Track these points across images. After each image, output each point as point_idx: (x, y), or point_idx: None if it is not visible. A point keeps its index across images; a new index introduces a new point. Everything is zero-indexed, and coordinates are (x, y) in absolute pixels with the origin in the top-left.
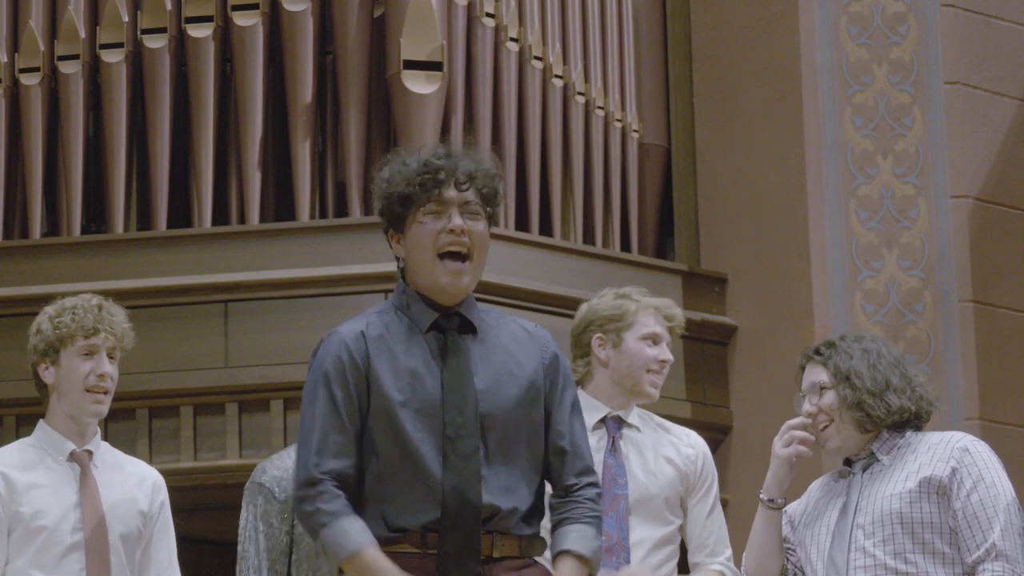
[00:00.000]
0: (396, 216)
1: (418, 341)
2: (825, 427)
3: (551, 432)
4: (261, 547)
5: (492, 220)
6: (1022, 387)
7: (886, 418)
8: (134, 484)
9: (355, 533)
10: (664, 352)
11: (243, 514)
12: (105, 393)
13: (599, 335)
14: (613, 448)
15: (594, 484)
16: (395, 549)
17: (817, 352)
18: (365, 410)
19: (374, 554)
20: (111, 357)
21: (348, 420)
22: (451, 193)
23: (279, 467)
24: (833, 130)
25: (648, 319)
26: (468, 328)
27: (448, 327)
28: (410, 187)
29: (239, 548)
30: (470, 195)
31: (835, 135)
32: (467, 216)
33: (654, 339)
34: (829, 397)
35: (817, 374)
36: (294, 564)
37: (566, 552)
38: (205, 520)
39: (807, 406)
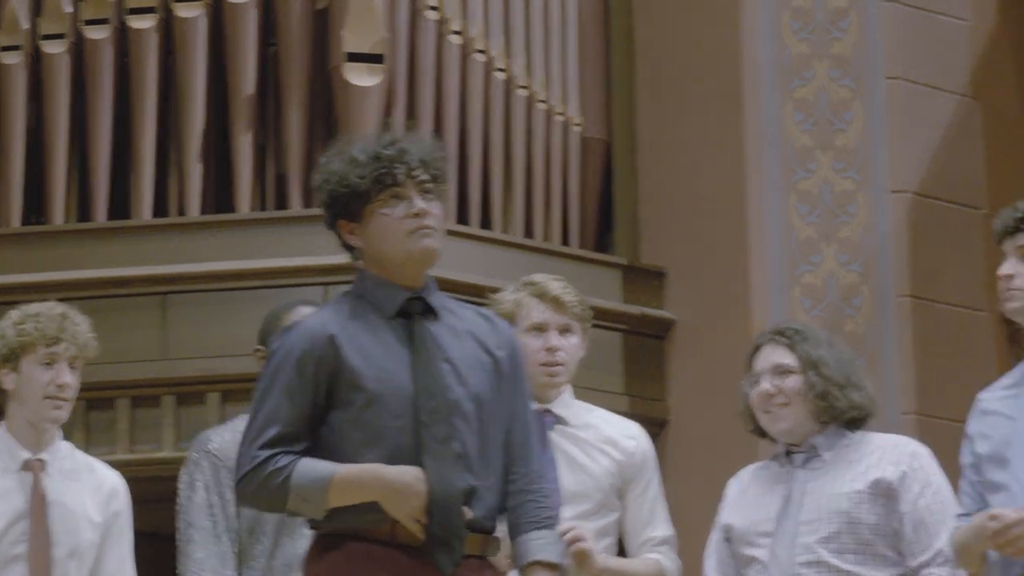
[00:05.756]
0: (351, 209)
1: (384, 328)
2: (779, 409)
3: (512, 425)
4: (217, 517)
5: (441, 198)
6: (958, 382)
7: (846, 412)
8: (89, 493)
9: (321, 464)
10: (549, 339)
11: (186, 484)
12: (65, 401)
13: None
14: (541, 443)
15: (543, 476)
16: (364, 536)
17: (782, 334)
18: (327, 403)
19: (351, 466)
20: (72, 367)
21: (304, 412)
22: (407, 180)
23: (223, 438)
24: (773, 125)
25: (530, 309)
26: (431, 313)
27: (413, 311)
28: (367, 181)
29: (183, 519)
30: (424, 178)
31: (775, 130)
32: (425, 197)
33: (538, 328)
34: (794, 381)
35: (781, 356)
36: (246, 529)
37: (537, 563)
38: (139, 513)
39: (765, 385)
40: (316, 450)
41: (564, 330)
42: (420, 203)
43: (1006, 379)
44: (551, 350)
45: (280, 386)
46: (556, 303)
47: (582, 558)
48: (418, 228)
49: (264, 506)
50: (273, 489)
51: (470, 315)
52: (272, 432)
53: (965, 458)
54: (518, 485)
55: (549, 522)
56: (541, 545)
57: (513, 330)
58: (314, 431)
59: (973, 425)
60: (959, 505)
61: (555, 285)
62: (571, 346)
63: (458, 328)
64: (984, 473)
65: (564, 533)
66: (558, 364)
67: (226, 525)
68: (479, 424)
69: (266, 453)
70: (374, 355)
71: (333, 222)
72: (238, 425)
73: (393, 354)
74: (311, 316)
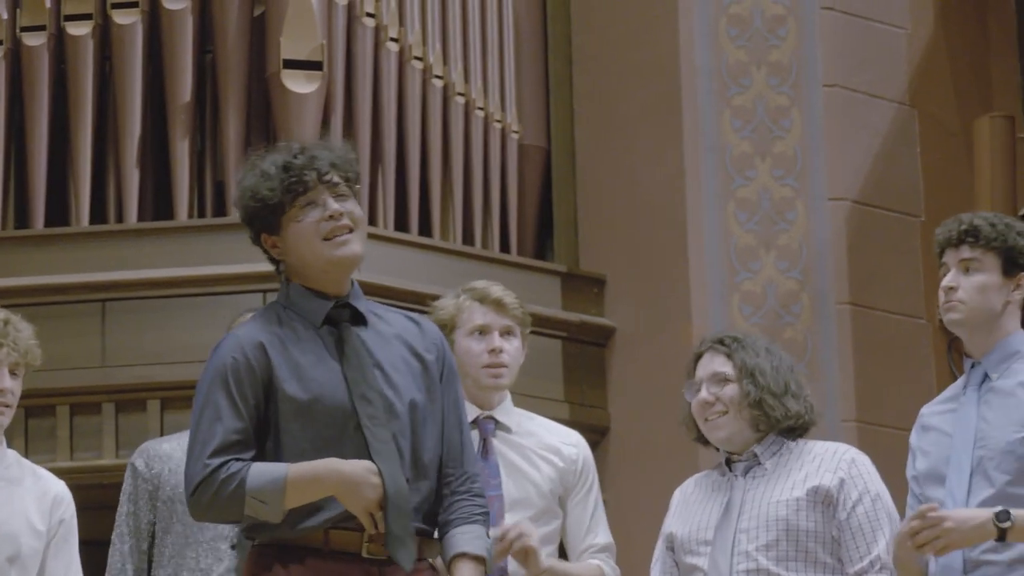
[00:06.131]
0: (269, 222)
1: (312, 338)
2: (717, 417)
3: (445, 427)
4: (130, 525)
5: (357, 197)
6: (897, 389)
7: (782, 421)
8: (32, 500)
9: (274, 465)
10: (492, 340)
11: (122, 491)
12: (6, 407)
13: None
14: (485, 450)
15: (477, 477)
16: (299, 545)
17: (721, 342)
18: (265, 413)
19: (306, 463)
20: (13, 373)
21: (247, 420)
22: (318, 185)
23: (156, 448)
24: (712, 132)
25: (472, 312)
26: (359, 319)
27: (340, 319)
28: (278, 193)
29: (115, 522)
30: (336, 181)
31: (714, 137)
32: (339, 199)
33: (481, 330)
34: (731, 390)
35: (720, 364)
36: (157, 540)
37: (463, 555)
38: (80, 520)
39: (704, 394)
40: (260, 460)
41: (506, 332)
42: (333, 205)
43: (946, 392)
44: (495, 351)
45: (220, 396)
46: (498, 305)
47: (526, 555)
48: (334, 230)
49: (221, 515)
50: (228, 496)
51: (397, 319)
52: (219, 441)
53: (909, 471)
54: (451, 486)
55: (478, 519)
56: (468, 539)
57: (441, 333)
58: (260, 439)
59: (914, 439)
60: (904, 516)
61: (496, 288)
62: (513, 349)
63: (386, 333)
64: (924, 488)
65: (509, 530)
66: (503, 365)
67: (139, 534)
68: (411, 428)
69: (217, 461)
70: (304, 365)
71: (256, 237)
72: (179, 436)
73: (323, 363)
74: (238, 328)
